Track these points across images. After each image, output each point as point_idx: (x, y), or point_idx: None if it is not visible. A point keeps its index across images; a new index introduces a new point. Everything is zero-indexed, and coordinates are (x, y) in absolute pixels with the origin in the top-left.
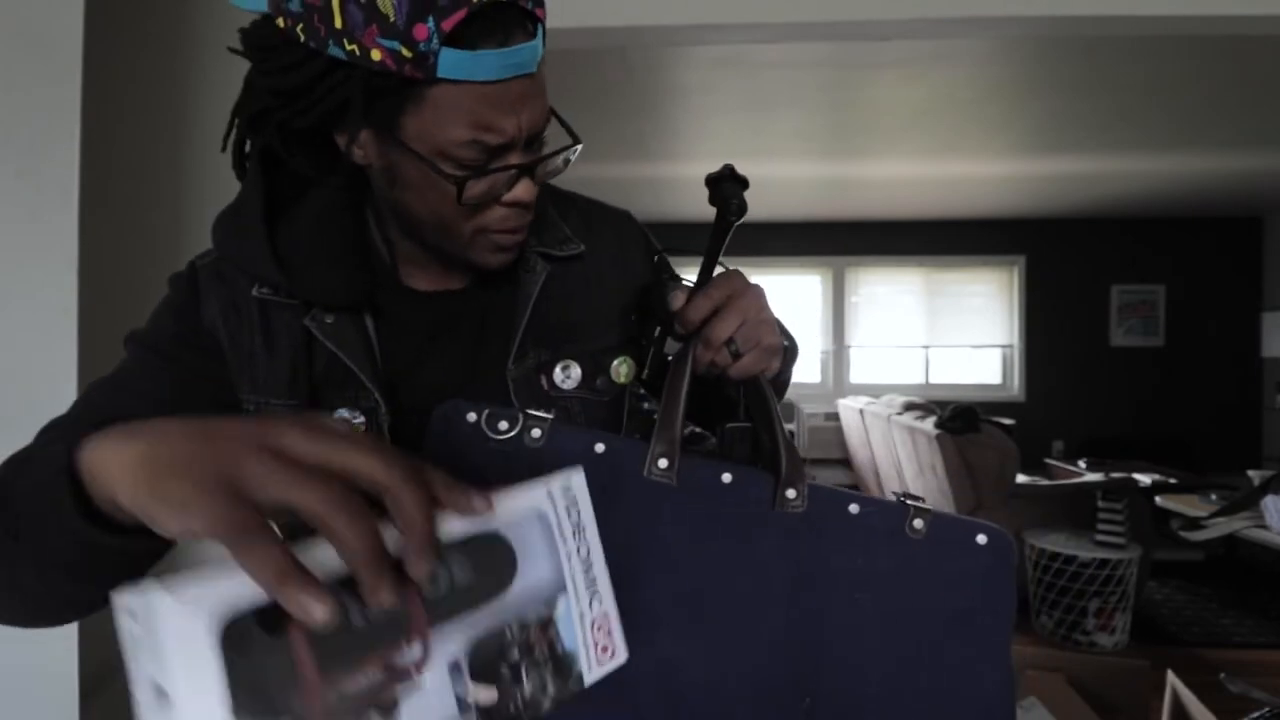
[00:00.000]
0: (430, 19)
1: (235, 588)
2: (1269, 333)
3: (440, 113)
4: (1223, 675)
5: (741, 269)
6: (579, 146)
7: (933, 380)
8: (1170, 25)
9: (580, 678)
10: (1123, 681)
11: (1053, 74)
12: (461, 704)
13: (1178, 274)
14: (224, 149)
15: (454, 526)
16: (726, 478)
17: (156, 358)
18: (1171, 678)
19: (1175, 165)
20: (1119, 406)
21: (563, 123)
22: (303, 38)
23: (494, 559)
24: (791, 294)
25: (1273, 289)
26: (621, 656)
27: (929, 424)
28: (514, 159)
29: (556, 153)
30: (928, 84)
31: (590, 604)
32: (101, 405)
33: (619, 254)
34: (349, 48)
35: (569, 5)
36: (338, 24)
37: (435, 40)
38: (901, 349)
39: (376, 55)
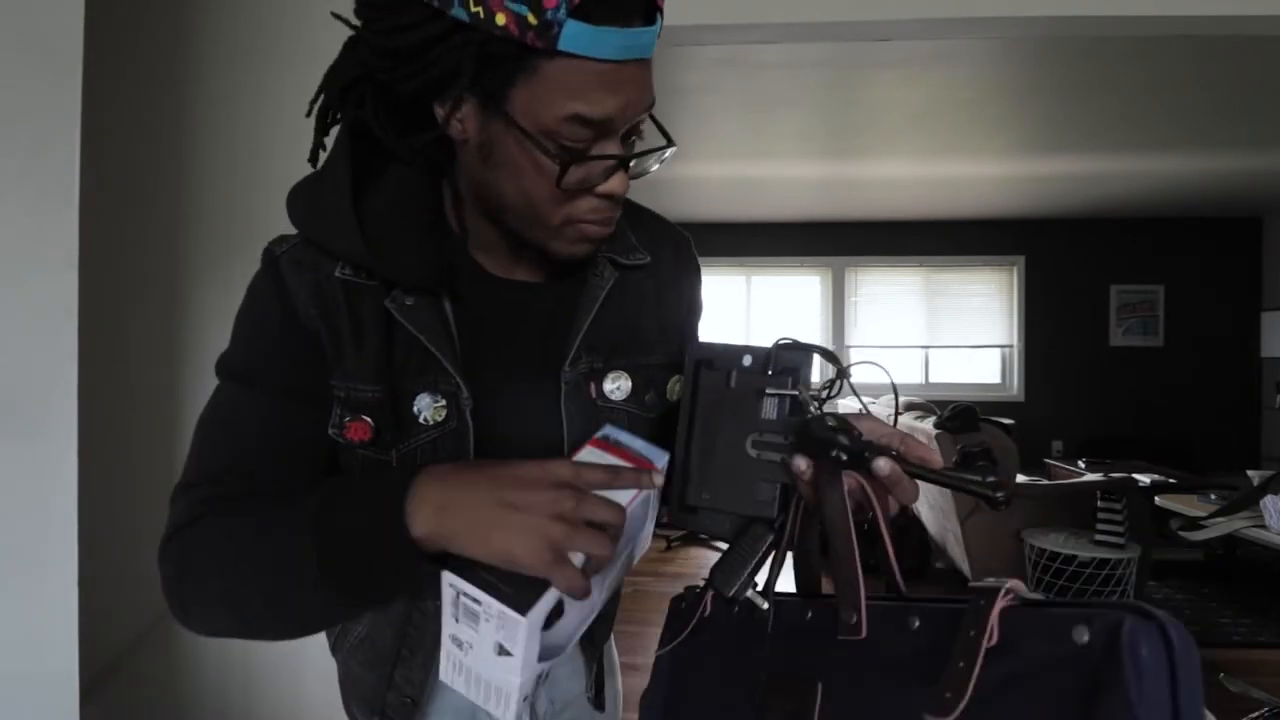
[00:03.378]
0: None
1: (547, 603)
2: (1269, 333)
3: (551, 87)
4: (1222, 675)
5: (741, 269)
6: (672, 149)
7: (932, 380)
8: (1170, 25)
9: None
10: None
11: (1053, 74)
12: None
13: (1177, 274)
14: (309, 114)
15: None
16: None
17: (258, 391)
18: None
19: (1175, 165)
20: (1118, 406)
21: (658, 125)
22: None
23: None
24: (791, 294)
25: (1272, 289)
26: None
27: (928, 424)
28: (612, 148)
29: (653, 150)
30: (928, 84)
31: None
32: (227, 453)
33: (676, 274)
34: (474, 9)
35: None
36: None
37: (563, 10)
38: (901, 349)
39: (501, 20)
